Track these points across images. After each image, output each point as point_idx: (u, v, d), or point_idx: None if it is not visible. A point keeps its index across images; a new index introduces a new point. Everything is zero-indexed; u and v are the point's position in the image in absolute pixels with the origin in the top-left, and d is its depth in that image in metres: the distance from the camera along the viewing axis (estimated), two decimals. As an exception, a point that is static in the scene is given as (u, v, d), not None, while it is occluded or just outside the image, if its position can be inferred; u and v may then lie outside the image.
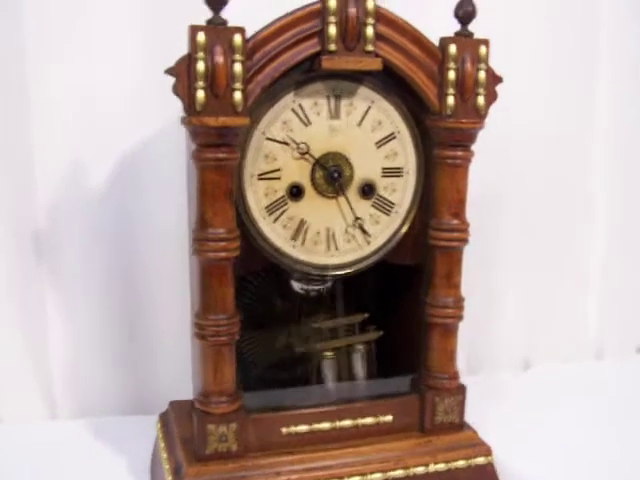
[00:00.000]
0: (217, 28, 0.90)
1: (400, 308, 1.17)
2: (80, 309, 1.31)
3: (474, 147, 1.03)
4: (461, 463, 1.08)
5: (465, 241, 1.05)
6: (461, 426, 1.11)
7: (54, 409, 1.33)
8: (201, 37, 0.89)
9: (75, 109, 1.25)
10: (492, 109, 1.03)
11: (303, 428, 1.04)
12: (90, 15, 1.23)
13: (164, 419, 1.17)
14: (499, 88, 1.03)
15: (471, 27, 1.00)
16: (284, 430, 1.03)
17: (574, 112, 1.54)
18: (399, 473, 1.05)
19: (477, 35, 1.01)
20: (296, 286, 1.13)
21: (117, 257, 1.32)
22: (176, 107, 0.94)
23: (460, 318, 1.08)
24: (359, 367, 1.14)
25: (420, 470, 1.06)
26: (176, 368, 1.28)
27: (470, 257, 1.38)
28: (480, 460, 1.09)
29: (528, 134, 1.50)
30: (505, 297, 1.57)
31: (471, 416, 1.14)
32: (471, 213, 1.07)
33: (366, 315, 1.14)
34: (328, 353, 1.12)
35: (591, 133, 1.57)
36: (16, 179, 1.25)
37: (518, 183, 1.52)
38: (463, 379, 1.46)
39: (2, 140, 1.23)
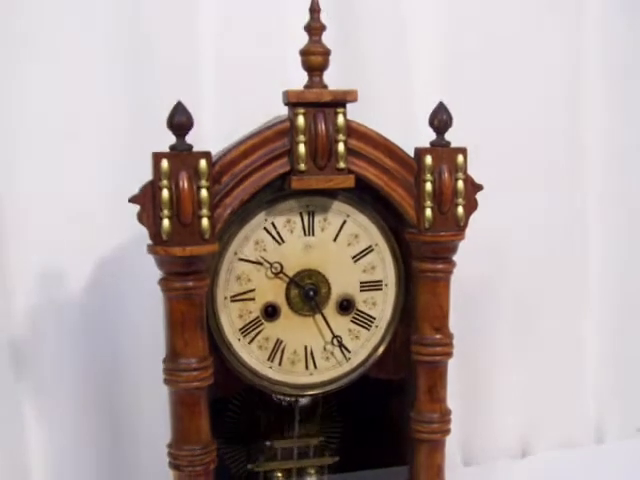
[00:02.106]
0: (182, 154, 0.89)
1: (384, 424, 1.15)
2: (59, 418, 1.29)
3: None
4: None
5: (449, 355, 1.03)
6: None
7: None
8: (165, 164, 0.88)
9: (49, 216, 1.24)
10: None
11: None
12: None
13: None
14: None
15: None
16: None
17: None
18: None
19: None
20: (274, 397, 1.10)
21: (97, 362, 1.30)
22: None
23: (447, 432, 1.05)
24: None
25: None
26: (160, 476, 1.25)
27: (463, 342, 1.37)
28: None
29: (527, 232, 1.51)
30: (496, 378, 1.54)
31: None
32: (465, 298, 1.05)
33: (321, 439, 1.11)
34: (279, 474, 1.10)
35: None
36: None
37: (513, 264, 1.51)
38: (458, 471, 1.44)
39: None
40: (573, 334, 1.58)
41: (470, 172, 1.00)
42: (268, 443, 1.09)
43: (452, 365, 1.38)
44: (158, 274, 0.93)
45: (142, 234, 1.03)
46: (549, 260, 1.52)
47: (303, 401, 1.11)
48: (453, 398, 1.38)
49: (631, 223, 1.60)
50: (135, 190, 0.90)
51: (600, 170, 1.56)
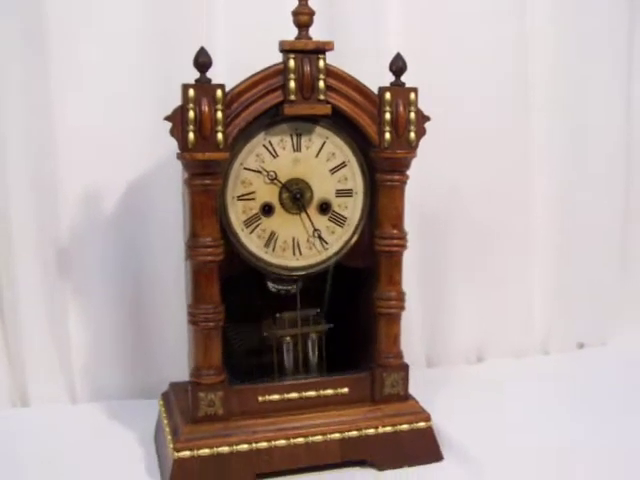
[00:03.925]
0: (203, 85, 1.24)
1: (355, 307, 1.50)
2: (96, 309, 1.65)
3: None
4: (405, 427, 1.40)
5: (403, 247, 1.38)
6: (406, 397, 1.43)
7: (74, 394, 1.67)
8: (191, 92, 1.23)
9: (93, 145, 1.59)
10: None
11: (275, 397, 1.37)
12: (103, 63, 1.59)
13: (165, 396, 1.51)
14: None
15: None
16: (260, 398, 1.36)
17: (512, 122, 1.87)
18: (354, 434, 1.37)
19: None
20: (271, 286, 1.46)
21: (128, 266, 1.66)
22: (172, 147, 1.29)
23: (402, 309, 1.41)
24: (312, 350, 1.46)
25: (371, 432, 1.38)
26: (175, 360, 1.61)
27: (426, 262, 1.74)
28: (421, 425, 1.41)
29: (472, 139, 1.82)
30: (457, 297, 1.88)
31: (425, 398, 1.45)
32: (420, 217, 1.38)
33: (318, 310, 1.46)
34: (287, 338, 1.45)
35: (530, 133, 1.90)
36: (41, 205, 1.60)
37: (467, 188, 1.84)
38: (421, 372, 1.79)
39: (31, 166, 1.57)
40: (523, 257, 1.93)
41: (422, 107, 1.36)
42: (278, 315, 1.44)
43: (416, 283, 1.77)
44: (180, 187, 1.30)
45: (165, 162, 1.40)
46: (499, 190, 1.87)
47: (296, 289, 1.46)
48: (417, 311, 1.77)
49: (575, 160, 1.94)
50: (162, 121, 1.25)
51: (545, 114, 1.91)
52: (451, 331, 1.90)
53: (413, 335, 1.79)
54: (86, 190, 1.62)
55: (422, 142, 1.38)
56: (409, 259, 1.53)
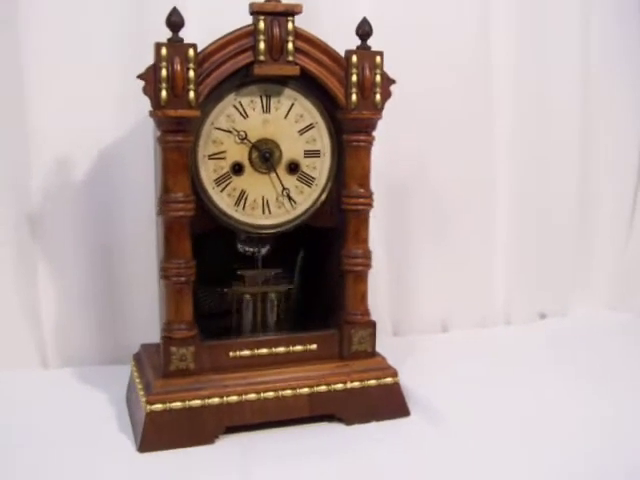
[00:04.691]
0: (175, 44, 1.29)
1: (324, 267, 1.56)
2: (67, 274, 1.68)
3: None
4: (372, 382, 1.45)
5: (369, 205, 1.44)
6: (373, 354, 1.49)
7: (45, 360, 1.70)
8: (164, 51, 1.28)
9: (64, 112, 1.63)
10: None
11: (246, 353, 1.41)
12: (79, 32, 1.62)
13: (137, 356, 1.55)
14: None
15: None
16: (231, 354, 1.41)
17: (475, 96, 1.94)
18: (322, 389, 1.42)
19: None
20: (240, 248, 1.51)
21: (99, 231, 1.69)
22: (144, 113, 1.33)
23: (368, 267, 1.46)
24: (270, 310, 1.51)
25: (339, 387, 1.43)
26: (147, 325, 1.65)
27: (393, 233, 1.80)
28: (388, 380, 1.47)
29: (439, 117, 1.89)
30: (422, 269, 1.95)
31: (391, 362, 1.49)
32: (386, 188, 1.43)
33: (279, 270, 1.52)
34: (246, 296, 1.50)
35: (493, 112, 1.96)
36: (13, 170, 1.63)
37: (430, 160, 1.90)
38: (388, 340, 1.85)
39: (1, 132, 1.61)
40: (486, 230, 2.00)
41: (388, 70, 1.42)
42: (239, 272, 1.49)
43: (382, 254, 1.82)
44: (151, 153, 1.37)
45: (138, 126, 1.46)
46: (463, 164, 1.94)
47: (263, 251, 1.52)
48: (383, 282, 1.82)
49: (537, 138, 2.01)
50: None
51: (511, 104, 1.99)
52: (416, 302, 1.96)
53: (379, 306, 1.84)
54: (56, 156, 1.65)
55: (389, 115, 1.44)
56: (374, 231, 1.58)
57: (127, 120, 1.65)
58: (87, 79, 1.64)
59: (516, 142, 2.00)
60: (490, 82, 1.95)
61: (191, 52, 1.29)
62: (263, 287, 1.51)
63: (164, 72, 1.28)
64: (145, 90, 1.30)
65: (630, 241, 2.20)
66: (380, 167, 1.49)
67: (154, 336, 1.52)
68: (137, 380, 1.45)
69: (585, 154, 2.10)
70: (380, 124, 1.44)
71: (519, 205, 2.03)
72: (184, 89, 1.29)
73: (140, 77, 1.29)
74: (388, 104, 1.44)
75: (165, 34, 1.30)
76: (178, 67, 1.29)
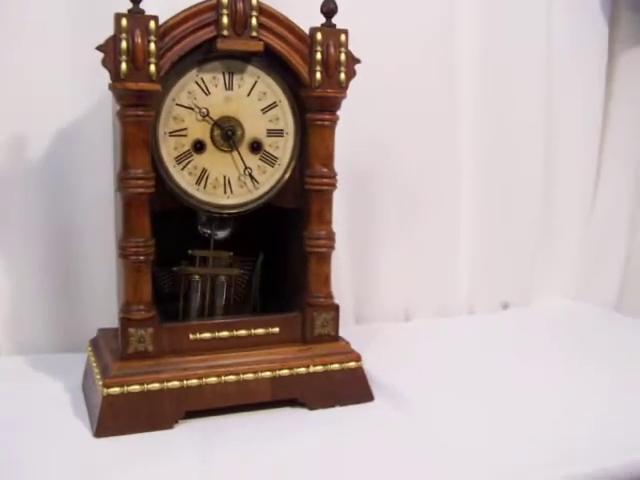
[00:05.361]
0: (136, 16, 1.27)
1: (286, 248, 1.54)
2: (20, 259, 1.64)
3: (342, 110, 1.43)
4: (336, 366, 1.44)
5: (333, 186, 1.43)
6: (336, 338, 1.47)
7: (-4, 348, 1.65)
8: (124, 22, 1.26)
9: (14, 90, 1.59)
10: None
11: (207, 335, 1.39)
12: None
13: (94, 341, 1.51)
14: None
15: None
16: (191, 336, 1.38)
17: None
18: (285, 372, 1.40)
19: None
20: (200, 230, 1.48)
21: (53, 215, 1.66)
22: (102, 90, 1.31)
23: (332, 248, 1.45)
24: (218, 292, 1.49)
25: (302, 371, 1.42)
26: (103, 312, 1.61)
27: (352, 222, 1.79)
28: (351, 364, 1.46)
29: (402, 100, 1.89)
30: (385, 257, 1.95)
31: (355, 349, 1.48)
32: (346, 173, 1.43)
33: (231, 253, 1.50)
34: (196, 277, 1.48)
35: (458, 97, 1.98)
36: None
37: (393, 145, 1.90)
38: (351, 328, 1.84)
39: None
40: (449, 219, 2.00)
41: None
42: (190, 251, 1.47)
43: (345, 242, 1.82)
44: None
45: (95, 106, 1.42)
46: (427, 153, 1.94)
47: (221, 234, 1.49)
48: (345, 270, 1.81)
49: (499, 124, 2.03)
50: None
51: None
52: (378, 291, 1.96)
53: (342, 294, 1.83)
54: (13, 136, 1.62)
55: (351, 99, 1.43)
56: (336, 217, 1.56)
57: (86, 99, 1.62)
58: (42, 52, 1.60)
59: (480, 128, 2.01)
60: (455, 66, 1.96)
61: (152, 24, 1.27)
62: (213, 269, 1.49)
63: (124, 44, 1.26)
64: (104, 62, 1.27)
65: (589, 234, 2.23)
66: (342, 152, 1.48)
67: (112, 323, 1.48)
68: (94, 364, 1.41)
69: (549, 139, 2.11)
70: (343, 108, 1.44)
71: (482, 193, 2.04)
72: (145, 62, 1.27)
73: (99, 49, 1.27)
74: (351, 85, 1.42)
75: (125, 4, 1.27)
76: (139, 39, 1.26)
